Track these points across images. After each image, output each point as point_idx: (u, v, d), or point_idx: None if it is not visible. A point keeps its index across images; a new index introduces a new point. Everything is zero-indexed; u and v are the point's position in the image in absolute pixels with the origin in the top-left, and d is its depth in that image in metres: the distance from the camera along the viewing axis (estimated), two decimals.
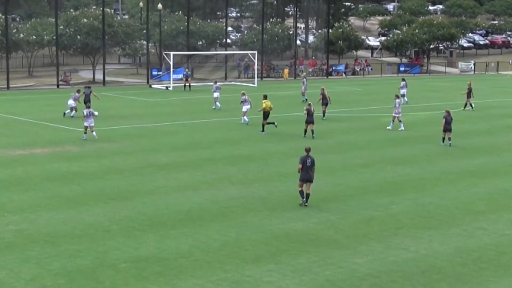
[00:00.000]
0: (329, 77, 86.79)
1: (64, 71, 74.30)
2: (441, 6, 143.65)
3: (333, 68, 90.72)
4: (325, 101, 48.05)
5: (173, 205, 25.50)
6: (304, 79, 60.38)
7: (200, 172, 30.86)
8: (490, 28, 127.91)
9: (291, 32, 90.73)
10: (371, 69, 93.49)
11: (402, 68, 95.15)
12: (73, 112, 46.53)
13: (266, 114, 42.08)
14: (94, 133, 37.99)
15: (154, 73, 76.69)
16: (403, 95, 55.11)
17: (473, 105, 54.23)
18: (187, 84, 66.50)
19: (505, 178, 31.20)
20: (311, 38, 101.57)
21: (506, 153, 37.10)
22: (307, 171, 25.50)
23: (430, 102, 58.76)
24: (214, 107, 52.65)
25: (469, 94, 54.42)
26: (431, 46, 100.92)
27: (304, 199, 25.70)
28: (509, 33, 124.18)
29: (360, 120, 48.06)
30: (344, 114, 51.04)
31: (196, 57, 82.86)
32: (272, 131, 42.33)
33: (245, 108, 45.50)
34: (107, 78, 73.14)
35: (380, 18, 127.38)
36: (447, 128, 38.39)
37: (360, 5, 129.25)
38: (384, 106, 53.74)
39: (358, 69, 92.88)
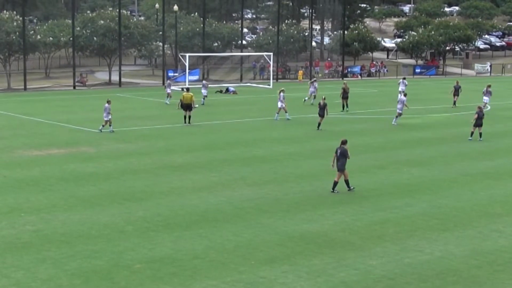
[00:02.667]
0: (345, 78, 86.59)
1: (81, 72, 74.65)
2: (457, 8, 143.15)
3: (349, 69, 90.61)
4: (345, 95, 52.57)
5: (188, 206, 25.57)
6: (315, 82, 59.82)
7: (215, 173, 30.92)
8: (507, 29, 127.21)
9: (306, 34, 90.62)
10: (387, 70, 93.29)
11: (417, 70, 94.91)
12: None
13: None
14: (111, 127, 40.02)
15: (170, 74, 76.89)
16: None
17: (456, 104, 56.03)
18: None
19: None
20: (326, 40, 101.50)
21: None
22: (338, 161, 27.70)
23: (445, 104, 58.53)
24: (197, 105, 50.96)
25: (456, 92, 56.64)
26: (447, 48, 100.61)
27: (332, 188, 27.82)
28: None
29: (376, 122, 47.98)
30: (359, 116, 50.98)
31: (212, 58, 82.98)
32: (287, 133, 42.38)
33: (280, 104, 47.62)
34: (123, 80, 73.40)
35: (396, 19, 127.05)
36: (478, 124, 40.44)
37: (375, 7, 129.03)
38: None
39: (373, 71, 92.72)
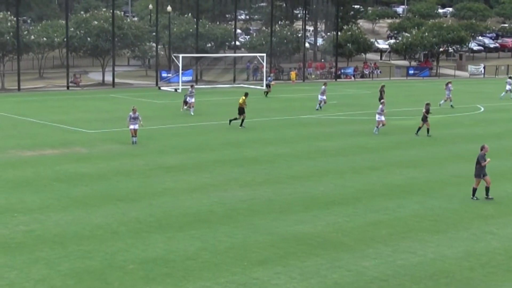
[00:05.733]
0: (338, 79, 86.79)
1: (74, 73, 74.57)
2: (450, 9, 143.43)
3: (342, 71, 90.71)
4: (380, 98, 52.31)
5: (180, 207, 25.57)
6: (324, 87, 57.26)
7: (208, 174, 30.92)
8: (501, 31, 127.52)
9: (300, 35, 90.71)
10: (380, 72, 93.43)
11: (411, 71, 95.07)
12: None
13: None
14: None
15: (163, 75, 76.86)
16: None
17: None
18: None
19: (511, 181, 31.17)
20: (320, 41, 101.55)
21: None
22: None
23: (438, 106, 58.60)
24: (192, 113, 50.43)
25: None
26: (441, 49, 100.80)
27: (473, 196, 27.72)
28: None
29: (369, 123, 47.97)
30: (352, 117, 51.03)
31: (205, 59, 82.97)
32: (280, 134, 42.45)
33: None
34: (116, 80, 73.34)
35: (389, 21, 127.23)
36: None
37: (369, 8, 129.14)
38: (393, 109, 53.70)
39: (367, 72, 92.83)
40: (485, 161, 27.35)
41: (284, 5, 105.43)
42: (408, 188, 29.41)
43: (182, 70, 69.92)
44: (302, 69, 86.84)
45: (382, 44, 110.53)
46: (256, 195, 27.52)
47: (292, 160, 34.73)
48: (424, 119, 42.40)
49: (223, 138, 40.61)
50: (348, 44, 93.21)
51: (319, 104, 54.34)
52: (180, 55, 69.73)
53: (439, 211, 25.97)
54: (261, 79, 75.50)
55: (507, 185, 30.42)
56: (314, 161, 34.50)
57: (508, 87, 65.16)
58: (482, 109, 56.66)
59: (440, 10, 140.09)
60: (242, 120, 44.59)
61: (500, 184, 30.47)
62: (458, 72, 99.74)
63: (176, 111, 52.14)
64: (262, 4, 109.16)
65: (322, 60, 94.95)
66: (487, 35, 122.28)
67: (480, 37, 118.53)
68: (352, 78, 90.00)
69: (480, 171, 27.39)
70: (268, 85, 66.31)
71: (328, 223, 23.97)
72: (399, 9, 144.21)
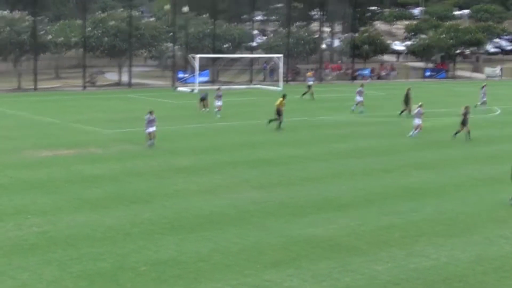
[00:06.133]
0: (354, 81, 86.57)
1: (91, 73, 74.80)
2: (467, 11, 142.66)
3: (358, 72, 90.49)
4: (406, 101, 51.76)
5: (193, 208, 25.58)
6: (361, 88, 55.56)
7: (221, 176, 30.92)
8: None
9: (316, 36, 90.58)
10: (397, 73, 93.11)
11: (427, 73, 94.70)
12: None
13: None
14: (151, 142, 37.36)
15: (180, 75, 76.95)
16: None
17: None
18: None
19: None
20: (336, 42, 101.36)
21: None
22: None
23: (454, 108, 58.27)
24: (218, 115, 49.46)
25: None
26: (457, 51, 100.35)
27: None
28: None
29: (382, 125, 47.90)
30: (366, 119, 50.88)
31: (222, 60, 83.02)
32: (295, 135, 42.40)
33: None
34: (133, 80, 73.51)
35: (406, 22, 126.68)
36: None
37: (385, 10, 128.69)
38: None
39: (383, 74, 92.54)
40: None
41: (301, 6, 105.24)
42: (422, 191, 29.27)
43: (198, 70, 69.98)
44: (318, 70, 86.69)
45: (398, 46, 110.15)
46: (269, 197, 27.49)
47: (306, 162, 34.67)
48: (464, 123, 41.54)
49: (237, 140, 40.63)
50: (364, 46, 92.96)
51: (356, 105, 53.82)
52: (197, 56, 69.80)
53: (453, 214, 25.82)
54: (278, 80, 75.39)
55: None
56: (327, 163, 34.43)
57: None
58: (499, 111, 56.33)
59: (457, 12, 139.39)
60: (280, 123, 44.13)
61: None
62: (474, 74, 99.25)
63: (192, 111, 52.17)
64: (279, 5, 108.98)
65: (339, 62, 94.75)
66: (504, 37, 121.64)
67: (496, 39, 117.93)
68: (369, 79, 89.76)
69: None
70: (309, 86, 64.94)
71: (340, 226, 23.90)
72: (416, 11, 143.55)
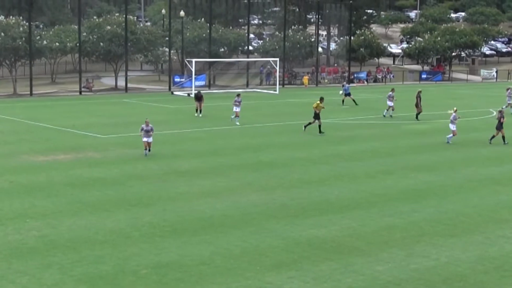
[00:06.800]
0: (351, 84, 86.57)
1: (87, 78, 74.76)
2: (463, 14, 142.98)
3: (355, 75, 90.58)
4: (417, 104, 51.61)
5: (194, 211, 25.52)
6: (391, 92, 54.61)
7: (222, 179, 30.87)
8: None
9: (313, 39, 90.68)
10: (393, 76, 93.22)
11: (423, 76, 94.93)
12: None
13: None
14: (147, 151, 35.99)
15: (176, 80, 76.94)
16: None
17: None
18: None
19: None
20: (333, 45, 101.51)
21: None
22: None
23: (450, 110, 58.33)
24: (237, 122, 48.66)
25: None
26: (453, 54, 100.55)
27: None
28: None
29: (382, 127, 47.94)
30: (366, 122, 50.91)
31: (218, 64, 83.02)
32: (296, 138, 42.38)
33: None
34: (129, 85, 73.48)
35: (402, 25, 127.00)
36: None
37: (382, 13, 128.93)
38: (405, 114, 53.57)
39: (379, 77, 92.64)
40: None
41: (297, 9, 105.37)
42: (423, 192, 29.27)
43: (195, 75, 69.94)
44: (315, 74, 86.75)
45: (395, 49, 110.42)
46: (270, 199, 27.44)
47: (308, 164, 34.63)
48: (499, 127, 41.15)
49: (238, 143, 40.59)
50: (361, 49, 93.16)
51: (387, 110, 53.27)
52: (193, 60, 69.78)
53: (453, 215, 25.81)
54: (274, 84, 75.37)
55: None
56: (329, 166, 34.41)
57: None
58: (495, 113, 56.29)
59: (453, 15, 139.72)
60: (319, 126, 43.94)
61: None
62: (470, 77, 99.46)
63: (190, 115, 52.09)
64: (275, 8, 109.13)
65: (335, 65, 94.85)
66: (500, 39, 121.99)
67: (492, 42, 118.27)
68: (365, 82, 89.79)
69: None
70: (348, 94, 62.27)
71: (342, 228, 23.87)
72: (412, 14, 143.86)
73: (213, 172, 32.27)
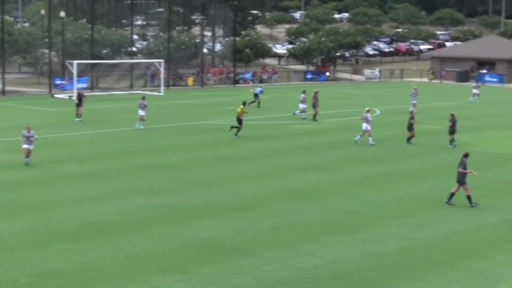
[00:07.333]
0: (236, 85, 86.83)
1: None
2: (347, 15, 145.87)
3: (240, 76, 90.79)
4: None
5: (77, 217, 24.75)
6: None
7: (107, 183, 30.15)
8: (395, 36, 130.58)
9: (197, 40, 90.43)
10: (278, 77, 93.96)
11: (308, 76, 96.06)
12: None
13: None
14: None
15: (57, 82, 75.01)
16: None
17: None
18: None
19: (411, 183, 31.56)
20: (218, 46, 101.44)
21: (411, 159, 37.54)
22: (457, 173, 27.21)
23: (337, 109, 59.30)
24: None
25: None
26: (337, 54, 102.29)
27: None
28: (413, 40, 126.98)
29: (268, 128, 48.03)
30: (254, 122, 50.87)
31: (101, 66, 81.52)
32: (181, 140, 41.99)
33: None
34: (6, 88, 71.08)
35: (287, 26, 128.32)
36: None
37: (267, 13, 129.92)
38: (289, 114, 53.91)
39: (265, 77, 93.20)
40: (467, 169, 26.93)
41: (182, 10, 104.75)
42: (309, 192, 29.40)
43: (76, 77, 68.31)
44: (200, 75, 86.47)
45: (280, 49, 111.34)
46: (156, 203, 26.96)
47: (193, 167, 34.27)
48: (410, 128, 41.73)
49: (123, 146, 39.78)
50: (246, 50, 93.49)
51: (300, 111, 52.64)
52: (75, 62, 68.02)
53: (340, 213, 26.06)
54: (159, 85, 74.67)
55: (404, 187, 30.79)
56: (214, 167, 34.15)
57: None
58: (378, 112, 57.52)
59: (337, 16, 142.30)
60: (238, 130, 43.51)
61: (398, 186, 30.91)
62: (354, 76, 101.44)
63: (71, 119, 50.74)
64: (159, 9, 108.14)
65: (220, 66, 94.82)
66: (382, 39, 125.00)
67: (375, 42, 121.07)
68: (251, 83, 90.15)
69: (463, 178, 27.05)
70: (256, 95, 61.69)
71: (228, 229, 23.68)
72: (297, 15, 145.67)
73: (97, 176, 31.48)
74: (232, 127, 43.98)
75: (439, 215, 26.03)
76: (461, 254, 21.72)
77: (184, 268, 19.83)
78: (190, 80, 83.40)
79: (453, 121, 40.74)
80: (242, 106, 44.10)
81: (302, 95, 52.71)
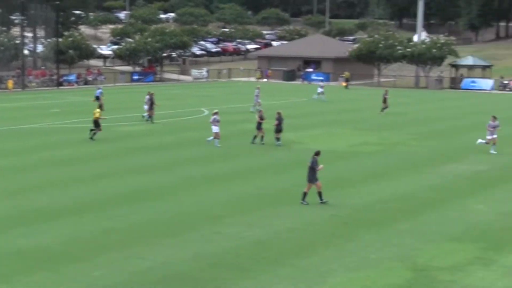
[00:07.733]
0: (60, 87, 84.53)
1: None
2: (173, 14, 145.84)
3: (64, 78, 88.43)
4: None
5: None
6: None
7: None
8: (222, 35, 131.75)
9: (18, 41, 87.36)
10: (104, 78, 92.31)
11: (135, 77, 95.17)
12: None
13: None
14: None
15: None
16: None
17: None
18: None
19: (239, 182, 31.62)
20: (40, 47, 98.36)
21: (238, 159, 37.63)
22: (308, 172, 27.07)
23: (164, 110, 58.77)
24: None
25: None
26: (164, 54, 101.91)
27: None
28: (240, 40, 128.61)
29: (83, 132, 46.72)
30: (78, 125, 49.57)
31: None
32: (15, 143, 40.26)
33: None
34: None
35: (112, 26, 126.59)
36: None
37: (90, 14, 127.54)
38: (119, 115, 53.02)
39: (90, 79, 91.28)
40: (318, 166, 26.96)
41: (0, 10, 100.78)
42: (140, 194, 28.79)
43: None
44: (21, 77, 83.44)
45: (105, 50, 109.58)
46: None
47: (14, 172, 32.78)
48: (258, 127, 41.48)
49: None
50: (70, 51, 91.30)
51: (146, 115, 51.43)
52: None
53: (171, 214, 25.75)
54: None
55: (232, 186, 30.84)
56: (36, 173, 32.79)
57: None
58: (206, 112, 57.61)
59: (162, 16, 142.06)
60: (94, 133, 42.18)
61: (228, 185, 30.93)
62: (182, 77, 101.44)
63: None
64: None
65: (43, 68, 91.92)
66: (209, 39, 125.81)
67: (202, 42, 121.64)
68: (75, 85, 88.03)
69: (313, 176, 26.99)
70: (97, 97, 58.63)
71: (54, 235, 22.78)
72: (121, 15, 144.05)
73: None
74: (91, 129, 42.70)
75: (270, 214, 26.16)
76: (290, 251, 21.89)
77: (7, 278, 18.88)
78: (10, 83, 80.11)
79: (279, 120, 41.28)
80: (98, 110, 43.77)
81: (147, 96, 51.81)
